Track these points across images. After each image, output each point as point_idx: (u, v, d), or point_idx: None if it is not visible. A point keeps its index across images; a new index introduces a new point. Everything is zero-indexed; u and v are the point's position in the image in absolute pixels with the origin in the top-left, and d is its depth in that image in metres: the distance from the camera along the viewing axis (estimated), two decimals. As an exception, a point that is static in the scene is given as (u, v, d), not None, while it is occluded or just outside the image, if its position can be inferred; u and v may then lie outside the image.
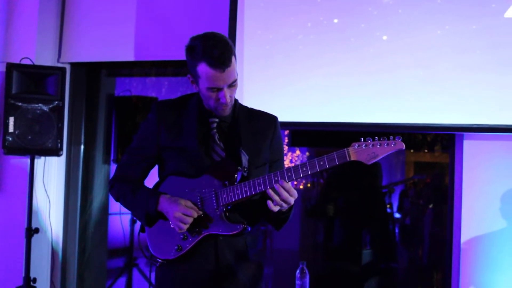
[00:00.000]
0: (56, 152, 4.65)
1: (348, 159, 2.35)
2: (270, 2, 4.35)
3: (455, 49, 3.97)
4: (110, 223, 5.75)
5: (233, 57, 2.46)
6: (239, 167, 2.51)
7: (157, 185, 2.68)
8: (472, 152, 4.08)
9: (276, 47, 4.31)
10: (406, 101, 4.05)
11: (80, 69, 5.30)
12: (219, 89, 2.47)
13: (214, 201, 2.52)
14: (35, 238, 4.66)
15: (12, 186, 4.90)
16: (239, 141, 2.57)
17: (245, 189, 2.46)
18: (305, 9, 4.26)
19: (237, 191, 2.47)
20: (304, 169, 2.38)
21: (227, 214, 2.52)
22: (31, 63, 4.78)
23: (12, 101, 4.57)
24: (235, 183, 2.50)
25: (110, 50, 5.05)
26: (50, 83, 4.69)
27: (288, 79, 4.29)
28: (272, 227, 2.72)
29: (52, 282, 5.06)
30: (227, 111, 2.57)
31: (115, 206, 5.38)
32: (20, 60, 4.76)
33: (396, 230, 6.28)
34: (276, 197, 2.39)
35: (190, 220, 2.49)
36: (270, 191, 2.40)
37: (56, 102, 4.67)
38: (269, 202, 2.42)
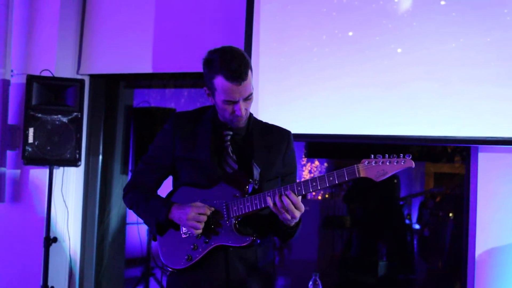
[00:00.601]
0: (74, 163, 4.72)
1: (357, 175, 2.37)
2: (286, 15, 4.39)
3: (470, 62, 3.97)
4: (128, 232, 5.81)
5: (249, 71, 2.50)
6: (250, 180, 2.54)
7: (169, 195, 2.73)
8: (487, 164, 4.07)
9: (291, 60, 4.35)
10: (421, 113, 4.06)
11: (99, 81, 5.37)
12: (235, 102, 2.51)
13: (225, 212, 2.56)
14: (53, 247, 4.72)
15: (31, 196, 4.98)
16: (252, 154, 2.61)
17: (255, 201, 2.49)
18: (320, 22, 4.29)
19: (248, 203, 2.51)
20: (314, 184, 2.41)
21: (237, 226, 2.55)
22: (50, 75, 4.87)
23: (32, 113, 4.65)
24: (246, 196, 2.53)
25: (129, 62, 5.12)
26: (69, 94, 4.76)
27: (303, 91, 4.32)
28: (279, 240, 2.74)
29: (69, 290, 5.13)
30: (242, 123, 2.62)
31: (132, 216, 5.42)
32: (40, 72, 4.84)
33: (412, 241, 6.27)
34: (279, 203, 2.42)
35: (205, 218, 2.52)
36: (277, 200, 2.43)
37: (75, 114, 4.75)
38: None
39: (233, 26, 4.66)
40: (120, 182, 5.54)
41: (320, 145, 5.99)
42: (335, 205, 6.86)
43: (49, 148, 4.65)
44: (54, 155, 4.67)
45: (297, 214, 2.43)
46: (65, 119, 4.72)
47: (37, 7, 5.07)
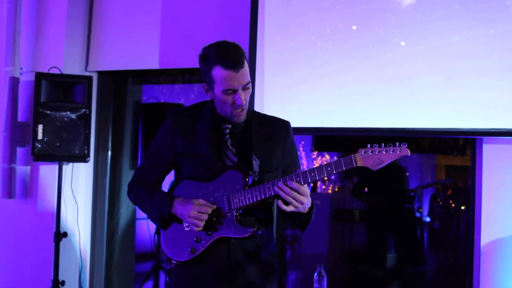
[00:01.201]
0: (83, 159, 4.78)
1: (354, 165, 2.41)
2: (290, 10, 4.41)
3: (473, 54, 3.98)
4: (138, 227, 5.87)
5: (245, 61, 2.56)
6: (250, 172, 2.59)
7: (171, 189, 2.78)
8: (491, 156, 4.09)
9: (296, 54, 4.37)
10: (425, 106, 4.07)
11: (107, 77, 5.43)
12: (235, 91, 2.56)
13: (226, 204, 2.60)
14: (63, 242, 4.78)
15: (41, 192, 5.05)
16: (251, 146, 2.65)
17: (256, 193, 2.54)
18: (324, 17, 4.31)
19: (248, 196, 2.56)
20: (312, 174, 2.45)
21: (239, 217, 2.60)
22: (59, 72, 4.92)
23: (41, 109, 4.71)
24: (247, 188, 2.57)
25: (136, 59, 5.17)
26: (77, 91, 4.82)
27: (309, 86, 4.34)
28: (298, 230, 2.79)
29: (80, 285, 5.18)
30: (243, 117, 2.66)
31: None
32: (49, 70, 4.90)
33: (422, 233, 6.28)
34: (283, 195, 2.45)
35: (206, 217, 2.57)
36: (277, 189, 2.46)
37: (83, 110, 4.80)
38: (279, 202, 2.48)
39: (238, 21, 4.70)
40: (129, 177, 5.54)
41: (328, 139, 6.01)
42: (345, 199, 6.88)
43: (58, 144, 4.71)
44: (63, 151, 4.72)
45: (304, 199, 2.46)
46: (73, 116, 4.77)
47: (45, 5, 5.13)
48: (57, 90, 4.78)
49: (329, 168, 2.43)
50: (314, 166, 2.48)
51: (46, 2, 5.13)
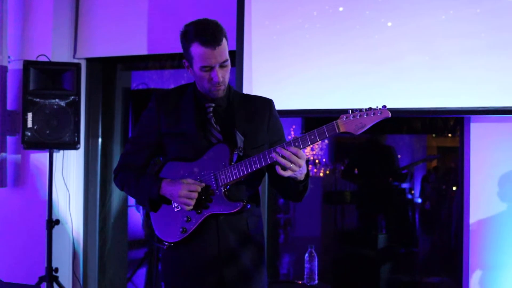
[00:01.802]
0: (73, 146, 4.79)
1: (337, 131, 2.44)
2: (277, -8, 4.41)
3: (460, 33, 4.00)
4: (130, 214, 5.88)
5: (224, 39, 2.58)
6: (235, 148, 2.62)
7: (157, 171, 2.78)
8: (479, 135, 4.12)
9: (284, 37, 4.38)
10: (412, 86, 4.10)
11: (96, 64, 5.43)
12: (211, 68, 2.58)
13: (214, 182, 2.63)
14: (56, 230, 4.81)
15: (32, 180, 5.07)
16: (234, 123, 2.68)
17: (242, 168, 2.57)
18: (311, -1, 4.32)
19: (235, 171, 2.58)
20: (297, 144, 2.48)
21: (227, 193, 2.63)
22: (47, 60, 4.92)
23: (30, 97, 4.71)
24: (232, 163, 2.60)
25: (125, 45, 5.17)
26: (66, 78, 4.82)
27: (297, 68, 4.35)
28: (294, 201, 2.79)
29: (74, 272, 5.21)
30: (221, 92, 2.68)
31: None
32: (37, 57, 4.90)
33: (413, 214, 6.32)
34: (282, 160, 2.46)
35: (195, 195, 2.60)
36: (275, 155, 2.47)
37: (73, 97, 4.80)
38: (277, 168, 2.49)
39: (226, 5, 4.69)
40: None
41: (318, 121, 6.02)
42: (336, 181, 6.90)
43: (48, 132, 4.72)
44: (53, 139, 4.73)
45: (301, 162, 2.47)
46: (63, 103, 4.77)
47: (31, -7, 5.11)
48: (45, 77, 4.78)
49: (312, 137, 2.46)
50: (297, 136, 2.50)
51: (33, -10, 5.11)
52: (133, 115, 5.65)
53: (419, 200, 6.34)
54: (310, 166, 7.10)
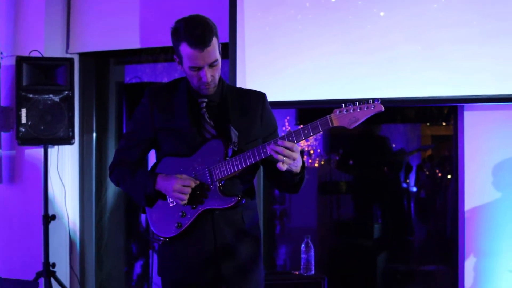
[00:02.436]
0: (68, 141, 4.79)
1: (330, 125, 2.44)
2: (269, -16, 4.41)
3: (452, 22, 4.01)
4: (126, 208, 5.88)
5: (214, 38, 2.57)
6: (229, 143, 2.62)
7: (153, 166, 2.79)
8: (472, 123, 4.15)
9: (277, 29, 4.38)
10: (406, 75, 4.11)
11: (89, 59, 5.41)
12: (200, 68, 2.59)
13: (208, 177, 2.63)
14: (52, 225, 4.81)
15: (28, 176, 5.06)
16: (228, 118, 2.68)
17: (236, 163, 2.57)
18: (303, -11, 4.32)
19: (229, 166, 2.59)
20: (290, 138, 2.48)
21: (221, 188, 2.63)
22: (40, 55, 4.91)
23: (23, 93, 4.70)
24: (227, 158, 2.61)
25: (117, 39, 5.16)
26: (59, 74, 4.81)
27: (290, 60, 4.36)
28: (290, 193, 2.82)
29: (71, 266, 5.22)
30: (211, 90, 2.68)
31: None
32: (29, 53, 4.88)
33: (409, 203, 6.33)
34: (277, 155, 2.47)
35: (189, 190, 2.60)
36: (269, 150, 2.48)
37: (66, 92, 4.80)
38: (278, 164, 2.49)
39: (218, -2, 4.69)
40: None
41: (312, 112, 6.02)
42: (331, 172, 6.91)
43: (42, 127, 4.71)
44: (48, 134, 4.73)
45: (295, 155, 2.48)
46: (56, 98, 4.77)
47: (22, -12, 5.09)
48: (38, 73, 4.77)
49: (306, 131, 2.47)
50: (291, 130, 2.50)
51: (24, -15, 5.09)
52: (127, 109, 5.66)
53: (414, 189, 6.35)
54: (305, 157, 7.12)
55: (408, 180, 6.36)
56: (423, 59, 4.06)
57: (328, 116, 2.45)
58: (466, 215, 4.14)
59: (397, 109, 5.78)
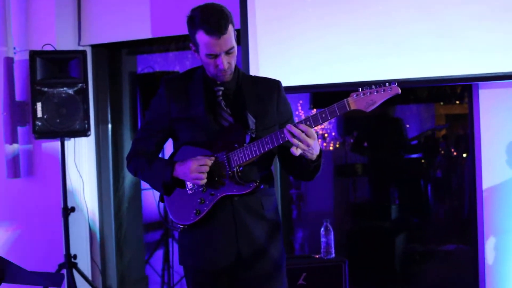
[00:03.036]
0: (84, 133, 4.81)
1: (348, 108, 2.45)
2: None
3: (465, -1, 3.97)
4: (144, 198, 5.93)
5: (230, 26, 2.59)
6: (246, 130, 2.64)
7: (171, 156, 2.82)
8: (488, 101, 4.11)
9: (287, 10, 4.34)
10: (419, 55, 4.08)
11: (101, 50, 5.43)
12: (216, 56, 2.60)
13: (226, 163, 2.65)
14: (72, 217, 4.85)
15: (45, 169, 5.10)
16: (244, 105, 2.70)
17: (254, 148, 2.59)
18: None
19: (247, 152, 2.60)
20: (308, 123, 2.50)
21: (240, 174, 2.65)
22: (52, 49, 4.93)
23: (38, 87, 4.73)
24: (245, 145, 2.62)
25: (129, 29, 5.17)
26: (72, 66, 4.83)
27: (301, 41, 4.32)
28: (305, 180, 2.82)
29: (92, 258, 5.27)
30: (227, 77, 2.70)
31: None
32: (42, 47, 4.90)
33: (423, 183, 6.32)
34: (293, 139, 2.48)
35: (206, 168, 2.62)
36: (287, 133, 2.49)
37: (80, 85, 4.82)
38: (292, 149, 2.50)
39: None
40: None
41: (325, 95, 6.01)
42: (347, 154, 6.91)
43: (58, 120, 4.74)
44: (64, 127, 4.76)
45: (311, 141, 2.49)
46: (71, 91, 4.79)
47: (32, -17, 5.11)
48: (52, 66, 4.80)
49: (323, 115, 2.48)
50: (309, 115, 2.51)
51: (33, -20, 5.11)
52: (141, 99, 5.68)
53: (430, 169, 6.34)
54: (320, 140, 7.11)
55: (423, 160, 6.35)
56: (436, 37, 4.02)
57: (345, 99, 2.46)
58: (484, 193, 4.12)
59: (410, 90, 5.76)
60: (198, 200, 2.69)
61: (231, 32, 2.60)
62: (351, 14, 4.21)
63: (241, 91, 2.74)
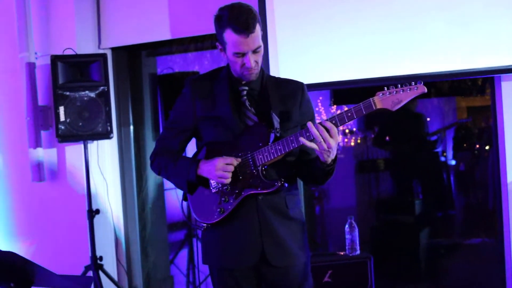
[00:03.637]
0: (106, 136, 4.85)
1: (374, 107, 2.46)
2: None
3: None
4: (166, 198, 5.95)
5: (257, 25, 2.61)
6: (271, 129, 2.65)
7: (195, 154, 2.84)
8: (510, 93, 4.08)
9: (307, 6, 4.32)
10: (440, 48, 4.05)
11: (121, 53, 5.46)
12: (244, 54, 2.62)
13: (251, 162, 2.66)
14: (97, 219, 4.90)
15: (69, 172, 5.15)
16: (269, 105, 2.71)
17: (279, 147, 2.60)
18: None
19: (272, 151, 2.62)
20: (334, 122, 2.51)
21: (264, 173, 2.66)
22: (73, 53, 4.97)
23: (60, 92, 4.77)
24: (269, 144, 2.63)
25: (148, 31, 5.19)
26: (93, 70, 4.87)
27: (321, 38, 4.29)
28: (316, 184, 2.81)
29: (117, 258, 5.31)
30: (253, 76, 2.71)
31: (169, 182, 5.55)
32: (63, 51, 4.94)
33: (446, 177, 6.29)
34: (316, 133, 2.48)
35: (232, 168, 2.64)
36: (311, 128, 2.49)
37: (102, 88, 4.86)
38: (311, 144, 2.51)
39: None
40: (153, 149, 5.65)
41: (346, 91, 6.00)
42: (368, 149, 6.89)
43: (80, 124, 4.79)
44: (87, 130, 4.80)
45: (332, 142, 2.49)
46: (92, 94, 4.83)
47: (51, -12, 5.16)
48: (73, 70, 4.84)
49: (349, 114, 2.49)
50: (334, 114, 2.51)
51: (53, -15, 5.16)
52: (162, 100, 5.71)
53: (453, 162, 6.30)
54: (340, 136, 7.09)
55: (445, 153, 6.31)
56: (457, 30, 3.98)
57: (371, 98, 2.47)
58: (509, 186, 4.09)
59: (431, 83, 5.73)
60: (223, 199, 2.70)
61: (258, 31, 2.62)
62: (372, 10, 4.18)
63: (266, 91, 2.76)
